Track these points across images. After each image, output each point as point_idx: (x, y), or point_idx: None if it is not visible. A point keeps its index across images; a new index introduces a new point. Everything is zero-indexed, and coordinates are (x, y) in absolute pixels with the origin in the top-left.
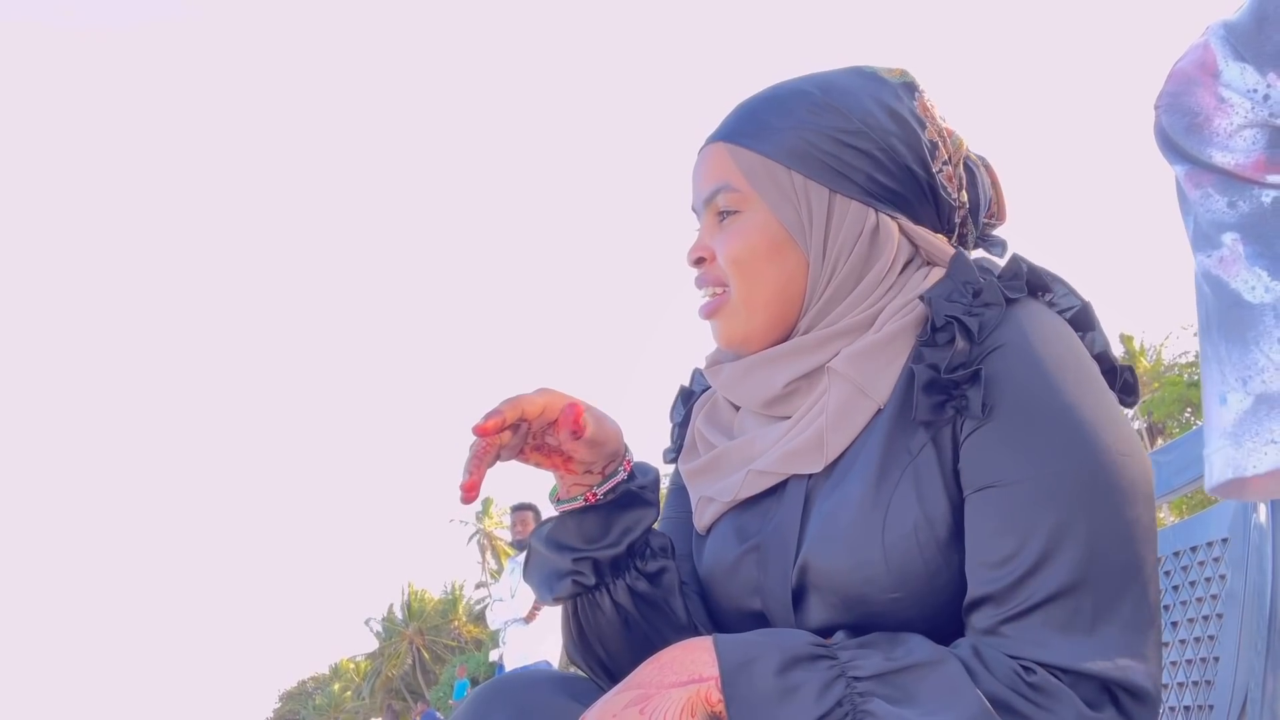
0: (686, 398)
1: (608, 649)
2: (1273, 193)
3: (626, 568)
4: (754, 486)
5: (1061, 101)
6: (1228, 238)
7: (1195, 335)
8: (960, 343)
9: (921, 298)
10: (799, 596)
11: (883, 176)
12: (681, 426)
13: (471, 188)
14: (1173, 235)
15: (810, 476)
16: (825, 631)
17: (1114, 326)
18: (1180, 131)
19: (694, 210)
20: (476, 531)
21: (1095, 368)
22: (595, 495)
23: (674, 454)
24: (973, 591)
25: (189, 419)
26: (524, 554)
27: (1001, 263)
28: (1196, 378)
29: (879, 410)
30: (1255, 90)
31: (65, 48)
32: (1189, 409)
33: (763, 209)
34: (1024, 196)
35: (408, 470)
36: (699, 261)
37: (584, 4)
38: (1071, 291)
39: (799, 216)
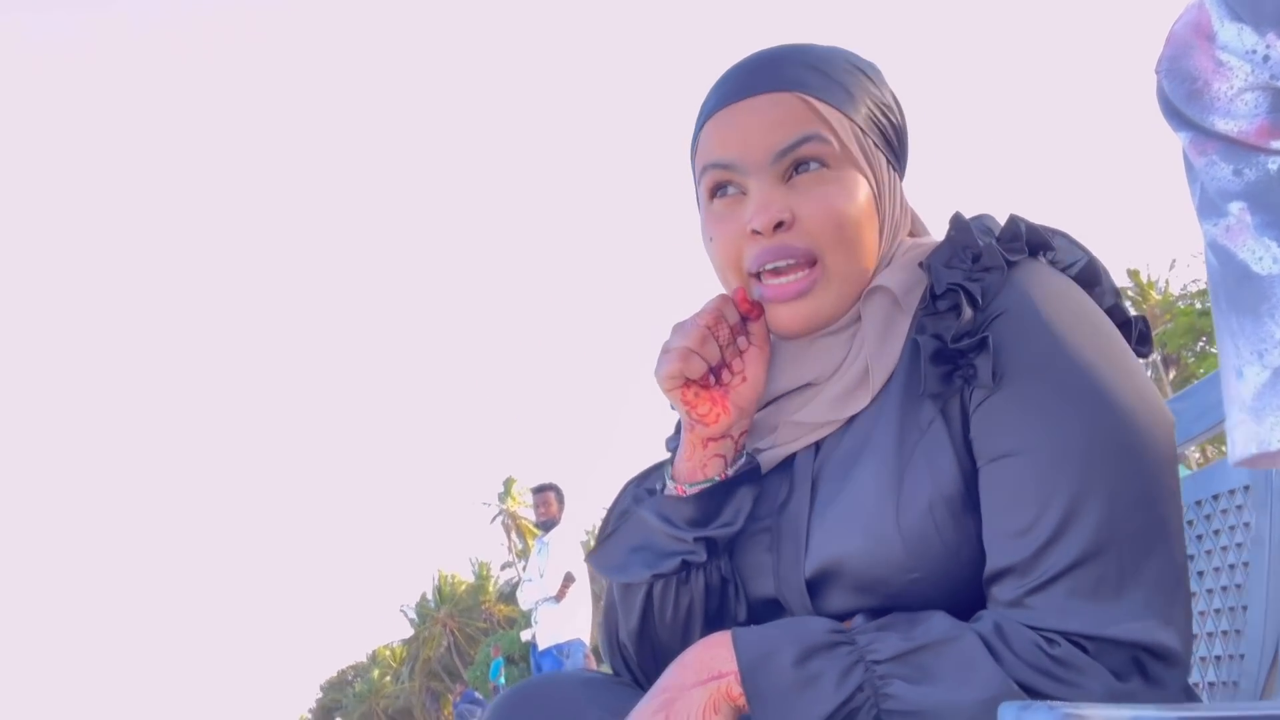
0: None
1: (673, 638)
2: (1279, 160)
3: (728, 548)
4: (792, 441)
5: (1053, 33)
6: (1234, 206)
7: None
8: (965, 310)
9: (921, 264)
10: (815, 584)
11: (900, 152)
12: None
13: (503, 180)
14: (1169, 163)
15: (817, 453)
16: (844, 616)
17: (1119, 261)
18: (1181, 98)
19: (730, 166)
20: (500, 512)
21: (1107, 323)
22: (727, 474)
23: (676, 443)
24: (993, 563)
25: (218, 418)
26: (551, 534)
27: (999, 223)
28: (1208, 305)
29: (885, 384)
30: (1254, 52)
31: (61, 49)
32: (1203, 339)
33: (854, 169)
34: (1019, 133)
35: (428, 458)
36: (778, 226)
37: (584, 6)
38: (1074, 245)
39: (879, 183)
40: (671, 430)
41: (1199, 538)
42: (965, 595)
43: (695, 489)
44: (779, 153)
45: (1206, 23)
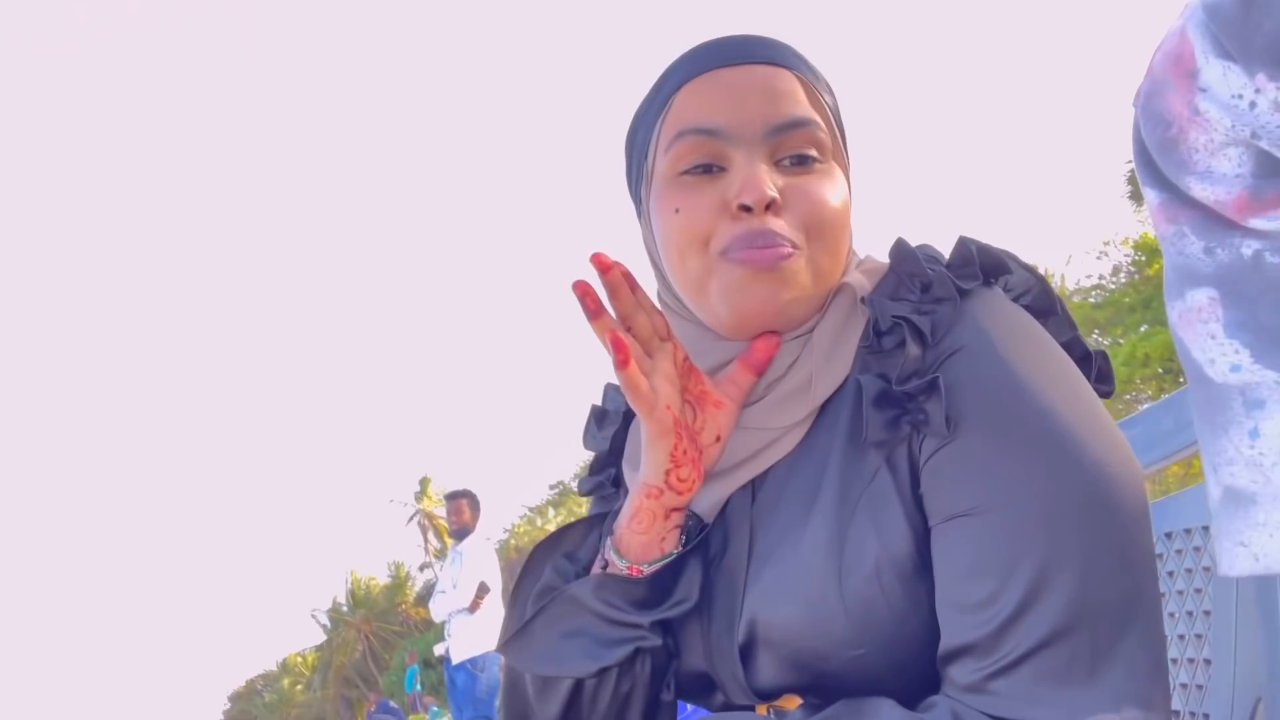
0: (602, 418)
1: None
2: (1255, 244)
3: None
4: (727, 472)
5: (938, 24)
6: (1202, 295)
7: (1097, 258)
8: (912, 348)
9: (863, 299)
10: (747, 653)
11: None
12: (605, 453)
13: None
14: (1065, 156)
15: (754, 501)
16: (780, 692)
17: (1018, 255)
18: (1156, 144)
19: (717, 133)
20: (416, 512)
21: (1069, 362)
22: (682, 546)
23: (592, 485)
24: (949, 640)
25: (113, 415)
26: (464, 543)
27: (942, 254)
28: (1102, 299)
29: (822, 416)
30: (1240, 96)
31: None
32: (1096, 330)
33: (839, 166)
34: (907, 125)
35: (339, 455)
36: (770, 206)
37: (583, 8)
38: (1025, 269)
39: (851, 187)
40: (587, 469)
41: (1169, 574)
42: (914, 670)
43: (653, 568)
44: (776, 127)
45: (1189, 56)
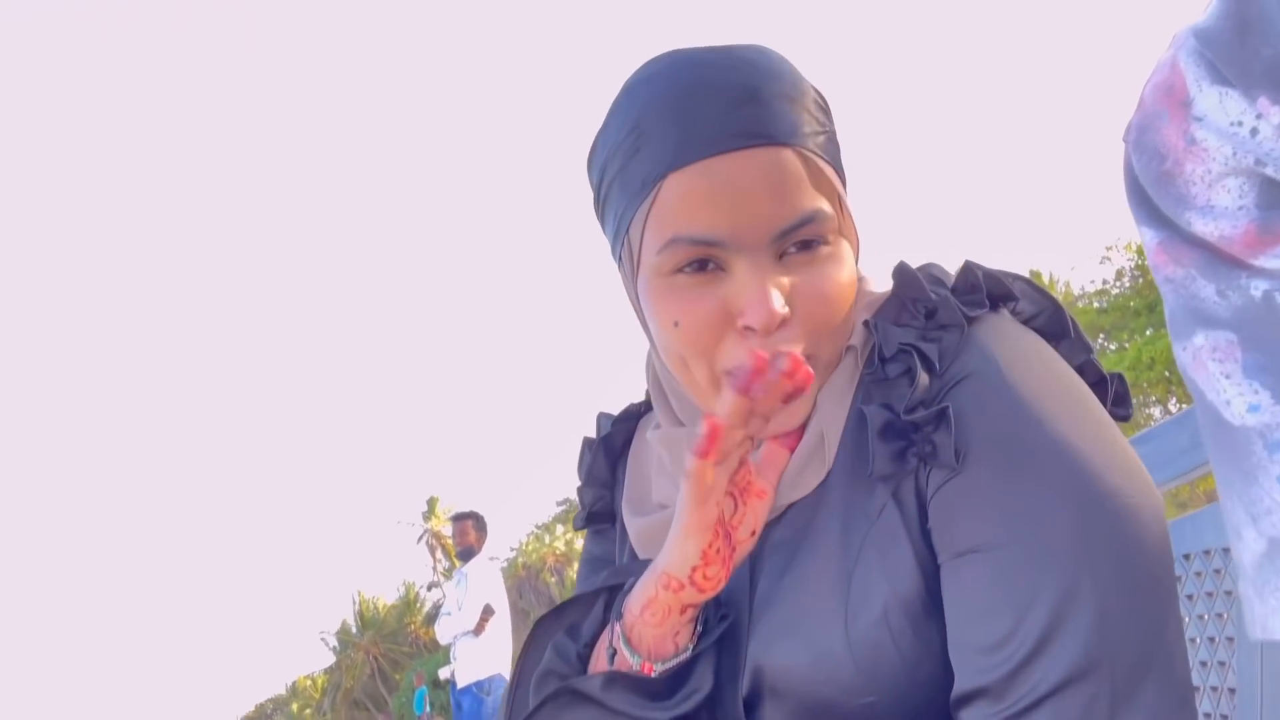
0: (600, 447)
1: None
2: (1263, 284)
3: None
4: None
5: (946, 25)
6: (1219, 338)
7: (1100, 263)
8: (920, 376)
9: (866, 323)
10: (752, 703)
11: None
12: (599, 485)
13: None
14: (1070, 161)
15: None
16: None
17: (1023, 261)
18: (1151, 179)
19: (718, 244)
20: (424, 532)
21: (1082, 386)
22: (697, 640)
23: (585, 520)
24: (962, 684)
25: (122, 436)
26: (469, 565)
27: (949, 272)
28: (1107, 304)
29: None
30: (1239, 123)
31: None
32: (1101, 335)
33: (845, 238)
34: (907, 133)
35: (343, 475)
36: (781, 323)
37: (586, 10)
38: (1036, 291)
39: (858, 241)
40: (582, 472)
41: (1189, 598)
42: (928, 717)
43: (666, 668)
44: (781, 232)
45: (1181, 86)
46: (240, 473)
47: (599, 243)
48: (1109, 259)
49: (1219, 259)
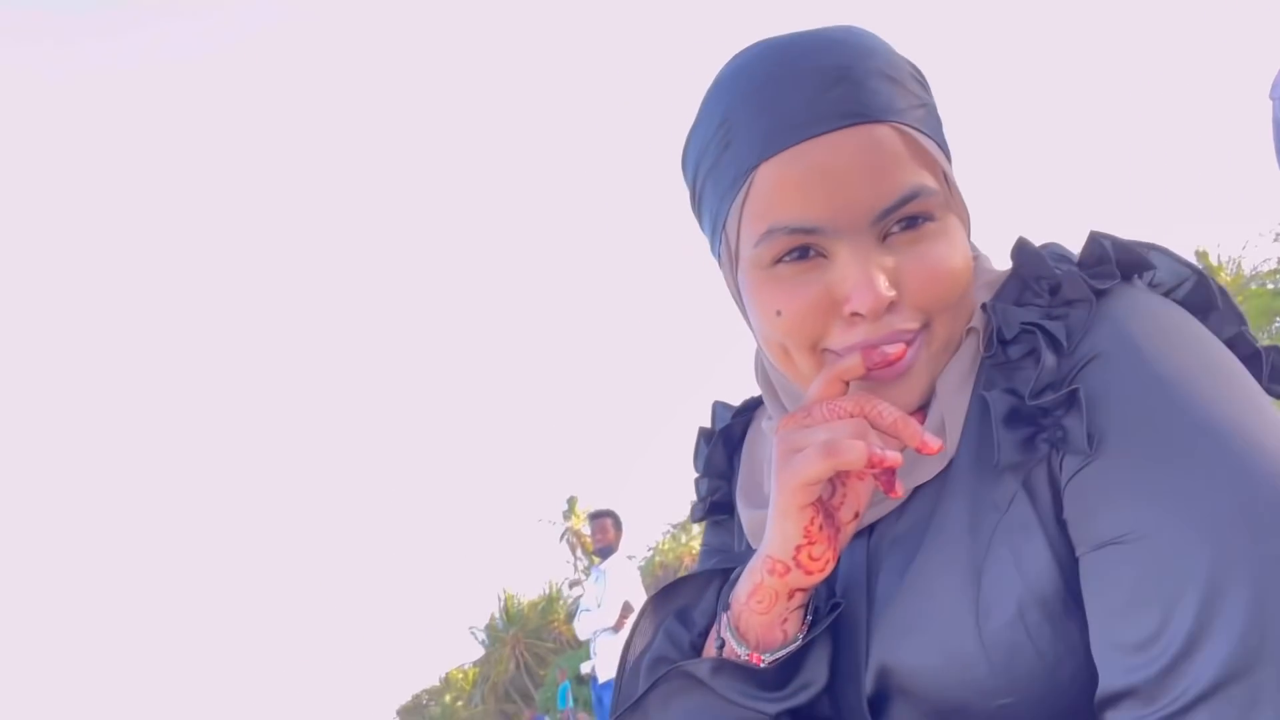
0: (719, 438)
1: None
2: None
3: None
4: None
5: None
6: None
7: (1275, 240)
8: (1048, 357)
9: (984, 306)
10: (878, 703)
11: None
12: (716, 476)
13: (560, 201)
14: (1239, 139)
15: (870, 536)
16: None
17: (1188, 241)
18: None
19: (816, 230)
20: (565, 530)
21: (1232, 359)
22: (807, 629)
23: (704, 511)
24: (1107, 684)
25: (278, 443)
26: (607, 562)
27: (1072, 252)
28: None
29: (950, 458)
30: None
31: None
32: (1278, 318)
33: (954, 214)
34: (1072, 104)
35: (490, 476)
36: (890, 306)
37: (599, 14)
38: (1176, 261)
39: (968, 218)
40: (699, 463)
41: None
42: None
43: (775, 659)
44: (883, 212)
45: None
46: (393, 476)
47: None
48: None
49: None
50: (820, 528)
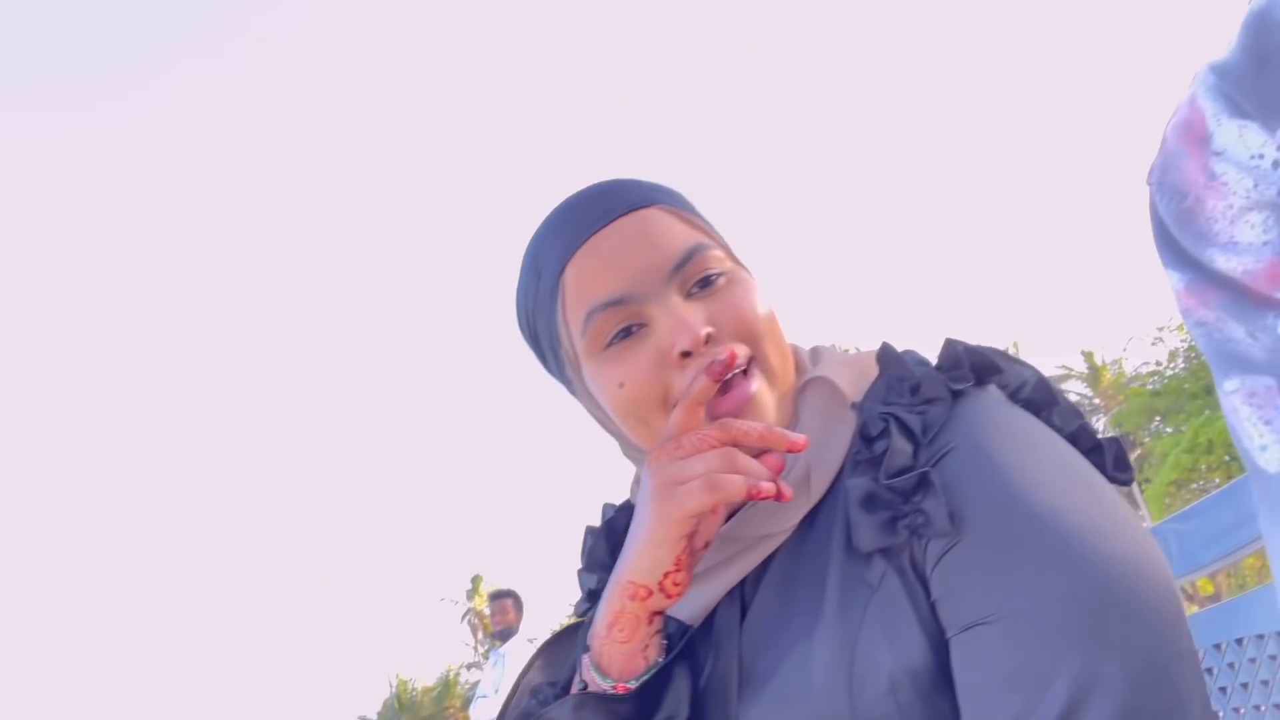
0: (602, 532)
1: None
2: None
3: None
4: (717, 573)
5: (1006, 100)
6: (1257, 382)
7: (1153, 344)
8: (899, 442)
9: (853, 405)
10: None
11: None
12: (599, 569)
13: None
14: (1120, 245)
15: (744, 613)
16: None
17: (1073, 343)
18: (1174, 218)
19: (623, 300)
20: (468, 611)
21: (1075, 455)
22: (664, 653)
23: (587, 604)
24: None
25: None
26: (507, 645)
27: (928, 359)
28: (1160, 386)
29: (814, 517)
30: (1260, 155)
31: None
32: (1157, 417)
33: (743, 269)
34: (966, 210)
35: (383, 552)
36: (707, 340)
37: (593, 20)
38: (1017, 363)
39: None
40: (584, 556)
41: (1222, 690)
42: None
43: (640, 683)
44: (673, 269)
45: (1200, 122)
46: (278, 548)
47: None
48: (1161, 339)
49: (1246, 298)
50: (689, 554)
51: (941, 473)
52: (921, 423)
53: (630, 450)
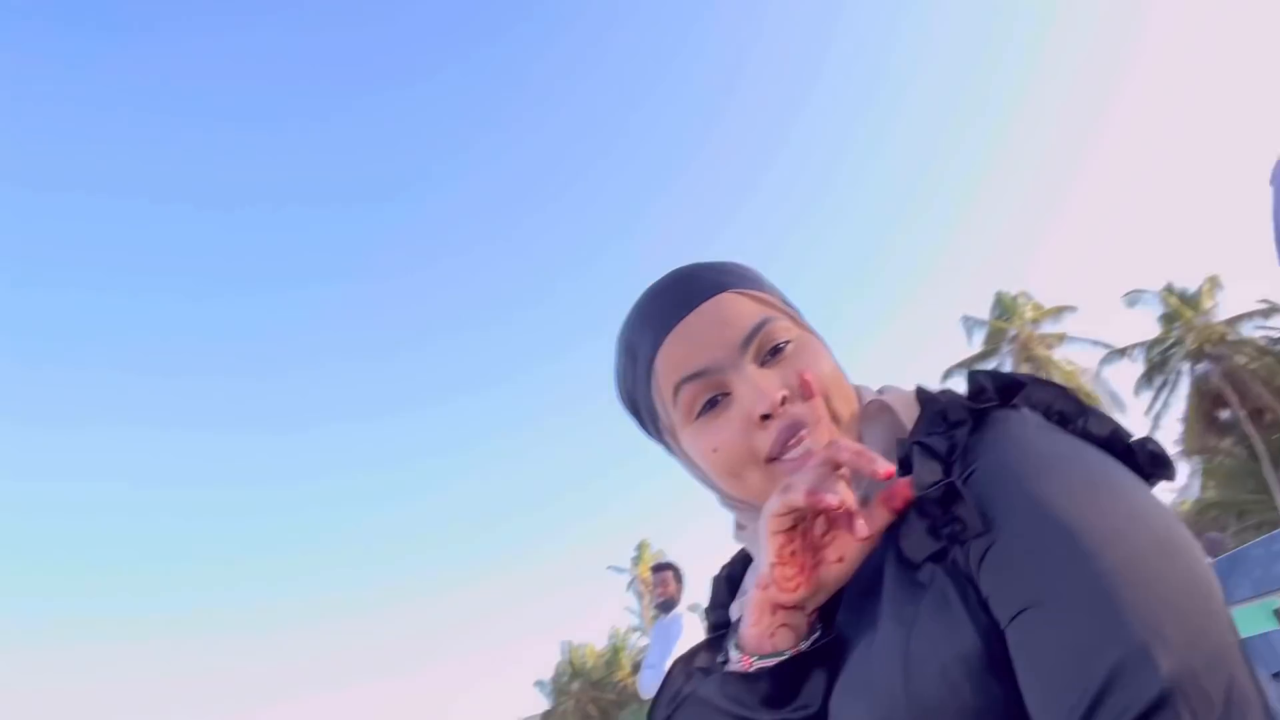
0: (723, 575)
1: None
2: None
3: None
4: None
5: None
6: None
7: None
8: (929, 464)
9: (900, 440)
10: None
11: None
12: (721, 608)
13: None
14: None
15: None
16: None
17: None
18: None
19: (707, 371)
20: (633, 579)
21: (1102, 455)
22: (799, 648)
23: (718, 615)
24: None
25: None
26: (669, 616)
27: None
28: None
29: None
30: None
31: None
32: None
33: (811, 334)
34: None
35: (554, 524)
36: (784, 401)
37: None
38: (1041, 383)
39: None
40: (709, 597)
41: None
42: None
43: (763, 663)
44: (744, 340)
45: None
46: (456, 523)
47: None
48: None
49: None
50: (793, 553)
51: (972, 484)
52: (947, 443)
53: (726, 501)
